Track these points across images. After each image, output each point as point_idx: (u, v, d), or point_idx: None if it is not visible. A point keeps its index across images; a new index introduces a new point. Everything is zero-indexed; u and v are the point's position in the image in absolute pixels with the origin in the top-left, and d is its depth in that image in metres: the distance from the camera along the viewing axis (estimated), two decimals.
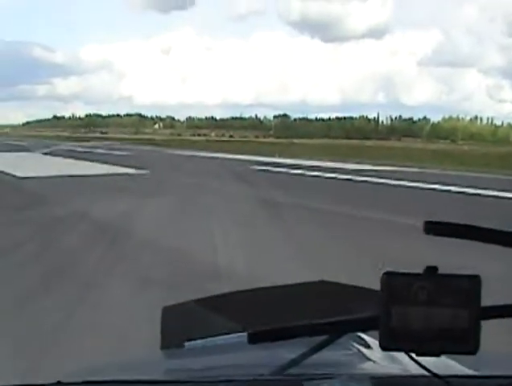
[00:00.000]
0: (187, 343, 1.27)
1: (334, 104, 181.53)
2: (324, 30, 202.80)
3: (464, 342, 0.83)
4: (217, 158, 30.14)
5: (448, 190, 14.24)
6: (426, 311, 0.83)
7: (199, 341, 1.27)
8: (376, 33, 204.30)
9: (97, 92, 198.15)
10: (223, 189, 13.94)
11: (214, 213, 9.78)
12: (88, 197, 11.80)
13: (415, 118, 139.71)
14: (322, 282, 1.50)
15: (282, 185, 15.24)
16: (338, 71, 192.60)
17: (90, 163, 23.20)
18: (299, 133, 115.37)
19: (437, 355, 0.85)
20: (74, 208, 10.15)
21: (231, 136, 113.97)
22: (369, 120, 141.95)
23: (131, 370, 1.25)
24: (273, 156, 30.44)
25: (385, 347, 0.85)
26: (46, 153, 31.73)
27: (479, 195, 13.56)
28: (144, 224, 8.78)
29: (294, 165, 23.80)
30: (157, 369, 1.25)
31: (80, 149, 38.73)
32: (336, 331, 0.95)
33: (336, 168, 22.03)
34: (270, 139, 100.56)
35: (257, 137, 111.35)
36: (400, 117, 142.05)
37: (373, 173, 19.88)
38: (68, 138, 68.49)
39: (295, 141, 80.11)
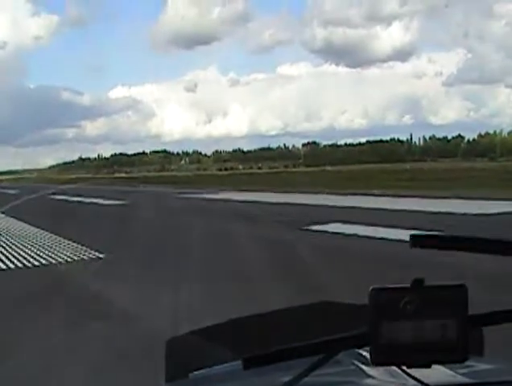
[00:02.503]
0: (191, 374, 1.27)
1: (361, 129, 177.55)
2: (348, 55, 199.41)
3: (453, 352, 0.84)
4: (249, 202, 21.68)
5: None
6: (414, 324, 0.84)
7: (202, 371, 1.28)
8: (401, 55, 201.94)
9: (125, 131, 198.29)
10: None
11: None
12: None
13: (449, 137, 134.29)
14: (322, 303, 1.46)
15: None
16: (364, 95, 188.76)
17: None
18: (330, 159, 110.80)
19: (427, 366, 0.86)
20: None
21: (259, 167, 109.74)
22: (400, 141, 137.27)
23: None
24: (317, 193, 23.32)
25: (376, 363, 0.87)
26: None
27: None
28: None
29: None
30: None
31: (57, 197, 31.40)
32: (328, 350, 0.96)
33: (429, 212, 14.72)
34: (301, 168, 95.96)
35: (286, 166, 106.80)
36: (434, 136, 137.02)
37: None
38: (74, 181, 64.65)
39: (328, 168, 75.50)
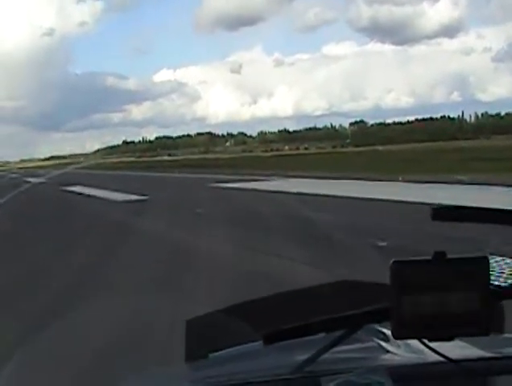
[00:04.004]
0: (210, 354, 1.26)
1: (408, 107, 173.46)
2: (394, 33, 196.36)
3: (476, 325, 0.83)
4: (319, 197, 16.24)
5: None
6: (436, 297, 0.82)
7: (222, 351, 1.26)
8: (449, 31, 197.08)
9: (170, 114, 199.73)
10: None
11: None
12: None
13: (503, 113, 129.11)
14: (343, 282, 1.43)
15: None
16: (411, 73, 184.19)
17: None
18: (379, 139, 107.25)
19: (450, 339, 0.85)
20: None
21: (306, 148, 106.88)
22: (451, 119, 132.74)
23: (156, 383, 1.28)
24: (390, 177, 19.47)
25: (397, 337, 0.87)
26: None
27: None
28: None
29: None
30: (181, 381, 1.29)
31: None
32: (348, 326, 0.95)
33: None
34: (350, 148, 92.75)
35: (334, 147, 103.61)
36: (486, 113, 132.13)
37: None
38: (114, 165, 62.46)
39: (380, 148, 72.36)
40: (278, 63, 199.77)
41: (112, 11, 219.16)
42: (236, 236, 10.17)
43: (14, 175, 48.18)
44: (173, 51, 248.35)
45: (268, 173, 29.42)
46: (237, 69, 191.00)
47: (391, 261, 0.83)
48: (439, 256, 0.83)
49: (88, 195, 21.67)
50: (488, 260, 0.83)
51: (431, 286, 0.82)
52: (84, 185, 25.86)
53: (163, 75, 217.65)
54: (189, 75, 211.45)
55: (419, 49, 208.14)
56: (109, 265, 7.90)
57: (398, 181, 19.12)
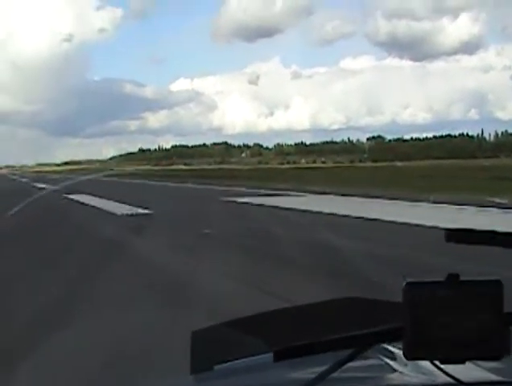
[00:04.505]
0: (216, 367, 1.23)
1: (425, 123, 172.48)
2: (412, 48, 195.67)
3: (488, 348, 0.82)
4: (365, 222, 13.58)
5: None
6: (449, 319, 0.82)
7: (228, 363, 1.23)
8: (468, 48, 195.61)
9: (186, 123, 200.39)
10: None
11: None
12: None
13: None
14: (352, 299, 1.36)
15: None
16: (428, 90, 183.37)
17: None
18: (397, 154, 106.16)
19: (462, 362, 0.85)
20: None
21: (323, 162, 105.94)
22: (470, 137, 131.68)
23: None
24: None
25: (409, 357, 0.85)
26: None
27: None
28: None
29: None
30: None
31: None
32: (359, 345, 0.94)
33: None
34: (367, 163, 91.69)
35: (352, 161, 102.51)
36: (506, 131, 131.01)
37: None
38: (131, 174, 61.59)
39: (399, 164, 71.31)
40: (296, 76, 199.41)
41: (131, 19, 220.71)
42: (249, 273, 7.95)
43: (24, 180, 47.98)
44: (191, 60, 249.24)
45: (287, 186, 27.84)
46: (254, 80, 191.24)
47: (404, 282, 0.83)
48: (453, 278, 0.83)
49: (91, 206, 20.08)
50: (501, 284, 0.82)
51: (444, 308, 0.82)
52: (88, 193, 24.58)
53: (180, 84, 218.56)
54: (206, 84, 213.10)
55: (438, 65, 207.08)
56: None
57: (429, 202, 17.47)
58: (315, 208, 16.68)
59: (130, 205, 18.71)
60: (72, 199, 22.85)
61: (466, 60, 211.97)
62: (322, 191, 23.47)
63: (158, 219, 15.53)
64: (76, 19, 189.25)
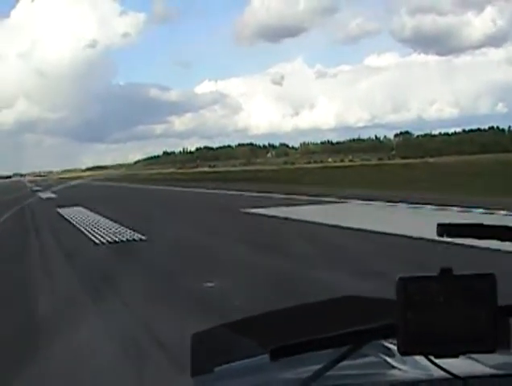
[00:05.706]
0: (216, 369, 1.24)
1: (452, 118, 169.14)
2: (438, 43, 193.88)
3: (483, 342, 0.82)
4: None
5: None
6: (442, 313, 0.82)
7: (228, 365, 1.25)
8: (494, 41, 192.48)
9: (212, 126, 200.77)
10: None
11: None
12: None
13: None
14: (347, 297, 1.38)
15: None
16: (455, 84, 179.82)
17: None
18: (425, 150, 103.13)
19: (456, 356, 0.85)
20: None
21: (351, 160, 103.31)
22: (501, 130, 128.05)
23: None
24: None
25: (403, 353, 0.85)
26: None
27: None
28: None
29: None
30: None
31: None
32: (354, 341, 0.94)
33: None
34: (396, 160, 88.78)
35: (380, 159, 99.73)
36: None
37: None
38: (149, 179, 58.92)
39: (430, 160, 68.45)
40: (320, 75, 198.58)
41: (154, 23, 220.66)
42: None
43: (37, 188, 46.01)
44: (215, 62, 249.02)
45: (321, 191, 21.94)
46: (278, 80, 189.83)
47: (397, 277, 0.83)
48: (446, 272, 0.83)
49: (89, 223, 15.28)
50: (495, 277, 0.83)
51: (438, 303, 0.82)
52: (86, 207, 20.84)
53: (204, 87, 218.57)
54: (231, 86, 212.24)
55: (464, 59, 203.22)
56: None
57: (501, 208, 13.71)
58: (384, 228, 10.76)
59: (121, 225, 14.14)
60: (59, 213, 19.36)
61: (492, 53, 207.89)
62: (368, 196, 18.40)
63: (151, 255, 9.72)
64: (99, 25, 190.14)
